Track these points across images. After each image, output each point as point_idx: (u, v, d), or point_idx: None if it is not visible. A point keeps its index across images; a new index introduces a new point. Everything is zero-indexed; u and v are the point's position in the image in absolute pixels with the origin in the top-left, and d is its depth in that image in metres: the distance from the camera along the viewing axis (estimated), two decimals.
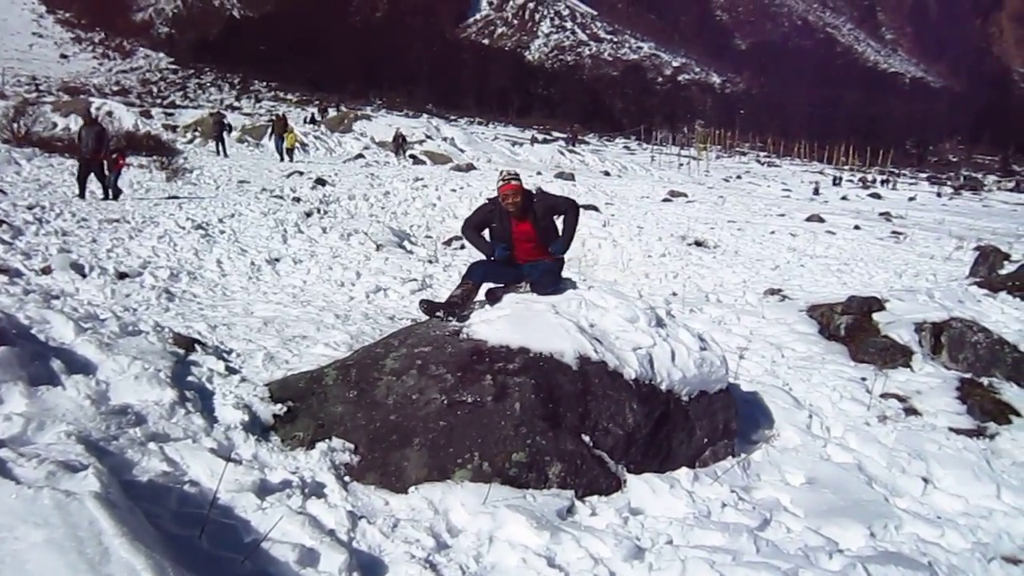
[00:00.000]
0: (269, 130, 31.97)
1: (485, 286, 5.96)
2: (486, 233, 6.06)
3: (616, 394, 5.01)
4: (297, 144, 31.10)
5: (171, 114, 42.08)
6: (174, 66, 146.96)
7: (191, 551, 2.98)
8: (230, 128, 31.87)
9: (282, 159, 28.96)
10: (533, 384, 4.76)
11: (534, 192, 6.30)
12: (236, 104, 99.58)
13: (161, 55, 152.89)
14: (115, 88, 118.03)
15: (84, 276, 8.20)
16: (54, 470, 2.98)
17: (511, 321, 5.29)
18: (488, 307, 5.67)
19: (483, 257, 6.09)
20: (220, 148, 29.22)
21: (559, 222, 6.04)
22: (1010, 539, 4.82)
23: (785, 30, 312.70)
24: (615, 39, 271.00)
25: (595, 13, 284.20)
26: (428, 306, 5.77)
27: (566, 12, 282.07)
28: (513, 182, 5.86)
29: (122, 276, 8.51)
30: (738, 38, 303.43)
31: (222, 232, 12.34)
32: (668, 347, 5.54)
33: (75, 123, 28.05)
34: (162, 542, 2.78)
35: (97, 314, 6.01)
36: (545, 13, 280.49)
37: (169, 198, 15.62)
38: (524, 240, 5.91)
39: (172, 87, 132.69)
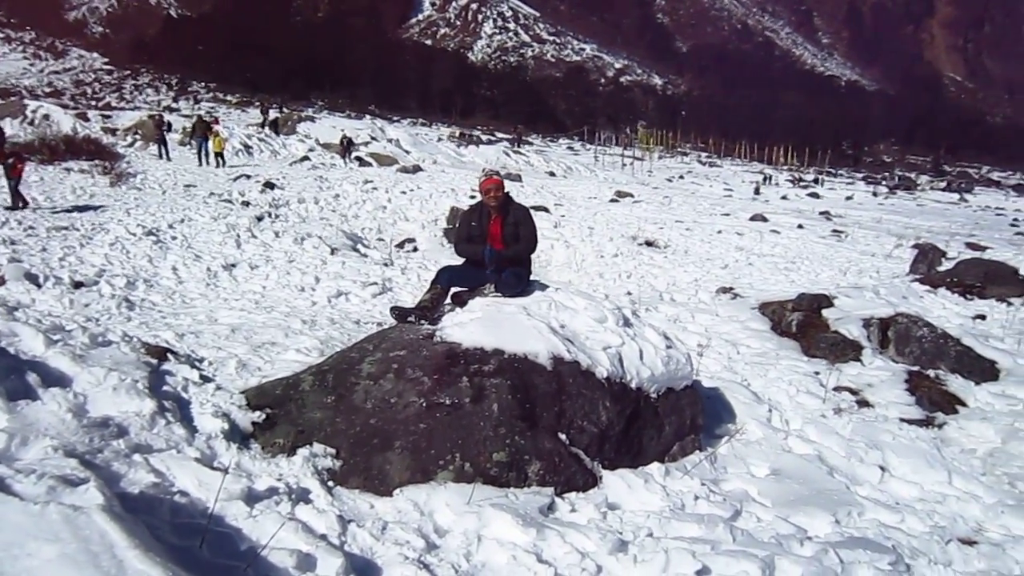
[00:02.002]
0: (189, 134, 29.55)
1: (453, 290, 6.08)
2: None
3: (589, 393, 5.14)
4: (226, 148, 29.44)
5: (109, 116, 40.98)
6: (109, 67, 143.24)
7: (194, 561, 3.01)
8: (170, 126, 31.08)
9: (201, 163, 27.02)
10: (509, 385, 4.86)
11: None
12: (174, 105, 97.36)
13: (95, 55, 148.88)
14: (48, 89, 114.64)
15: (39, 286, 8.04)
16: (54, 485, 2.97)
17: (484, 323, 5.38)
18: (459, 310, 5.76)
19: (454, 263, 6.19)
20: (163, 151, 28.59)
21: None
22: (964, 522, 5.09)
23: (725, 33, 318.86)
24: (558, 40, 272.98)
25: (538, 14, 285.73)
26: (400, 312, 5.85)
27: (509, 13, 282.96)
28: (495, 177, 6.09)
29: (78, 285, 8.36)
30: (679, 41, 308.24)
31: (174, 238, 12.17)
32: (636, 346, 5.70)
33: (9, 126, 27.26)
34: (168, 553, 2.81)
35: (63, 325, 5.91)
36: (488, 14, 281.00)
37: (115, 203, 15.29)
38: (493, 241, 6.05)
39: (107, 88, 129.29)
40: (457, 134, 73.54)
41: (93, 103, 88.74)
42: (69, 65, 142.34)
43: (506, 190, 6.21)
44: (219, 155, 28.07)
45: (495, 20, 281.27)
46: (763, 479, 5.45)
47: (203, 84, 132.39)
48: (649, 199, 31.22)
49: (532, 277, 6.26)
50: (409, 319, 5.70)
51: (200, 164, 26.92)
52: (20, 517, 2.59)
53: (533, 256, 6.40)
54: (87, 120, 36.43)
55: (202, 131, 28.27)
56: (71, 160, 21.35)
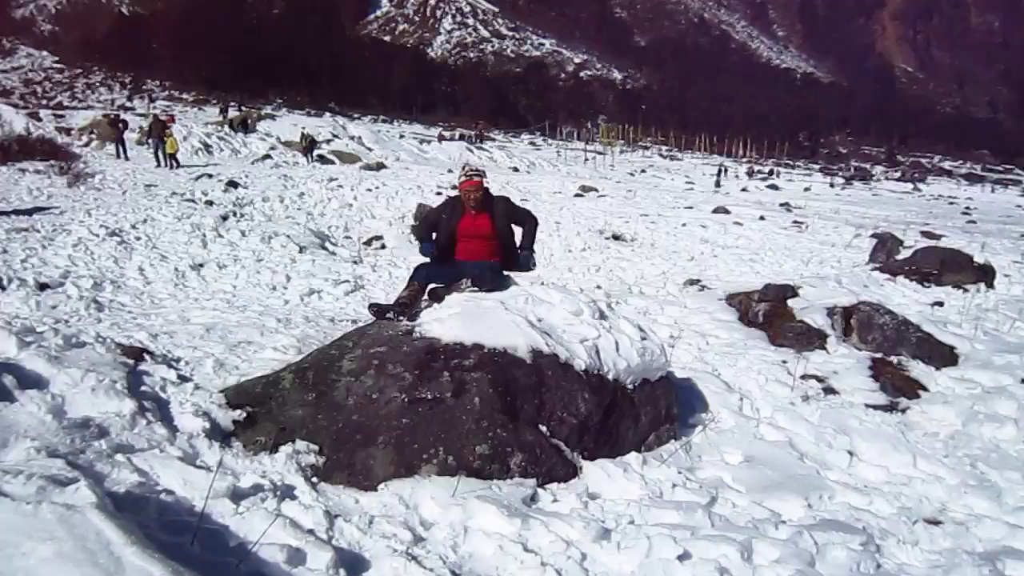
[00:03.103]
0: (145, 134, 28.79)
1: (431, 286, 6.11)
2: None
3: (568, 385, 5.21)
4: (185, 147, 28.66)
5: (62, 116, 40.12)
6: (59, 65, 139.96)
7: (188, 558, 3.01)
8: (126, 125, 30.47)
9: (159, 164, 26.41)
10: (490, 379, 4.91)
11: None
12: (129, 104, 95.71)
13: (45, 54, 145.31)
14: None
15: (3, 288, 7.91)
16: (44, 485, 2.97)
17: (463, 318, 5.42)
18: (437, 306, 5.79)
19: (428, 259, 6.21)
20: (120, 151, 28.11)
21: (517, 232, 6.25)
22: (929, 503, 5.26)
23: (682, 27, 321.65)
24: (517, 36, 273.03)
25: (496, 10, 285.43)
26: (378, 309, 5.86)
27: (467, 9, 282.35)
28: (476, 178, 6.10)
29: (43, 287, 8.24)
30: (637, 35, 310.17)
31: (138, 238, 12.01)
32: (612, 338, 5.78)
33: None
34: (162, 550, 2.82)
35: (33, 327, 5.82)
36: (446, 10, 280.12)
37: (75, 204, 15.02)
38: (477, 236, 6.08)
39: (59, 87, 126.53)
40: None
41: (44, 102, 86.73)
42: (17, 64, 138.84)
43: (486, 187, 6.24)
44: (172, 156, 27.02)
45: (454, 16, 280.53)
46: (737, 466, 5.58)
47: (158, 82, 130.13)
48: (613, 193, 31.47)
49: (505, 272, 6.26)
50: (388, 315, 5.72)
51: (159, 165, 26.31)
52: (13, 517, 2.58)
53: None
54: (39, 120, 35.59)
55: (158, 131, 27.53)
56: (25, 161, 20.91)
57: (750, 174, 67.16)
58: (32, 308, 7.40)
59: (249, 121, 43.31)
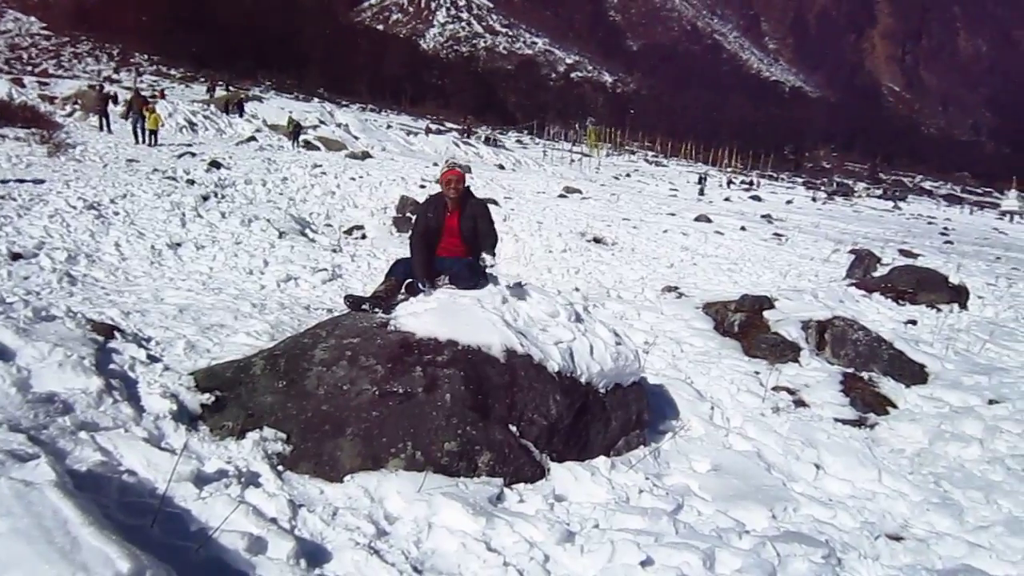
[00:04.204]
0: (126, 108, 27.03)
1: (407, 281, 6.08)
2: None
3: (541, 386, 5.22)
4: (168, 124, 27.63)
5: (46, 84, 39.52)
6: (47, 31, 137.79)
7: (146, 540, 2.97)
8: (116, 99, 29.99)
9: (138, 141, 25.20)
10: (462, 376, 4.91)
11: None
12: (115, 77, 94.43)
13: (33, 19, 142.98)
14: None
15: None
16: (3, 459, 2.93)
17: (438, 314, 5.40)
18: (413, 300, 5.76)
19: (407, 255, 6.13)
20: (104, 123, 27.72)
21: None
22: (892, 518, 5.33)
23: (675, 34, 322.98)
24: (510, 33, 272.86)
25: (491, 6, 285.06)
26: (353, 301, 5.84)
27: (462, 3, 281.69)
28: (456, 168, 6.05)
29: (16, 257, 8.12)
30: (630, 39, 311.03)
31: (116, 213, 11.85)
32: (587, 341, 5.79)
33: None
34: (119, 531, 2.78)
35: (2, 297, 5.74)
36: (441, 2, 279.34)
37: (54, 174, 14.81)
38: (449, 234, 6.03)
39: (44, 54, 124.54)
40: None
41: (29, 69, 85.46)
42: (4, 28, 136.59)
43: (467, 184, 6.20)
44: (153, 133, 25.88)
45: (448, 9, 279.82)
46: (704, 474, 5.62)
47: (146, 56, 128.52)
48: (597, 196, 31.52)
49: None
50: (363, 307, 5.69)
51: (137, 142, 25.29)
52: None
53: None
54: (23, 86, 35.04)
55: (138, 106, 26.36)
56: (6, 127, 20.56)
57: (729, 183, 67.65)
58: (3, 278, 7.29)
59: (234, 102, 42.84)
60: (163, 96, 33.12)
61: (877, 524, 5.17)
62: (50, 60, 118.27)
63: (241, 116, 40.44)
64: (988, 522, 5.22)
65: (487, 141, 68.91)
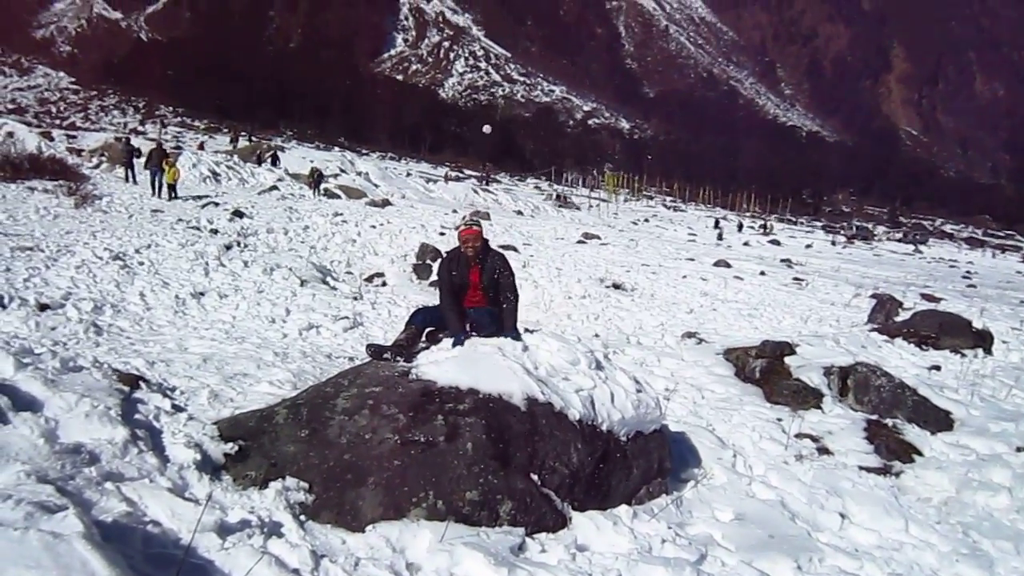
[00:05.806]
0: (144, 161, 26.85)
1: (428, 330, 6.15)
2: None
3: (562, 434, 5.21)
4: (192, 175, 27.61)
5: (74, 137, 40.60)
6: (75, 86, 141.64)
7: None
8: (139, 153, 30.61)
9: (155, 194, 25.00)
10: (484, 424, 4.91)
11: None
12: (141, 129, 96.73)
13: (62, 74, 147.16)
14: (10, 106, 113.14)
15: (4, 307, 7.93)
16: (32, 511, 2.96)
17: (459, 363, 5.43)
18: (434, 348, 5.81)
19: (427, 304, 6.26)
20: (129, 175, 28.31)
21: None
22: (920, 570, 5.22)
23: (691, 81, 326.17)
24: (528, 81, 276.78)
25: (509, 55, 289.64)
26: (375, 349, 5.89)
27: (480, 52, 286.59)
28: (474, 227, 6.14)
29: (44, 308, 8.25)
30: (646, 86, 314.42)
31: (141, 263, 12.06)
32: (608, 389, 5.79)
33: None
34: None
35: (31, 348, 5.84)
36: (460, 52, 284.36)
37: (81, 225, 15.10)
38: (472, 288, 6.14)
39: (72, 108, 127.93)
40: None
41: (58, 122, 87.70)
42: (34, 83, 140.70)
43: (485, 238, 6.30)
44: (172, 187, 25.42)
45: (466, 59, 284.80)
46: (727, 524, 5.55)
47: (171, 108, 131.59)
48: (615, 241, 31.63)
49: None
50: (385, 356, 5.74)
51: (153, 194, 25.09)
52: (0, 542, 2.58)
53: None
54: (52, 139, 35.98)
55: (157, 160, 26.03)
56: (34, 179, 21.07)
57: (740, 227, 67.71)
58: (31, 328, 7.42)
59: (268, 154, 44.03)
60: (181, 151, 33.39)
61: (905, 575, 5.07)
62: (78, 113, 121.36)
63: (275, 166, 41.33)
64: (1019, 573, 5.12)
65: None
